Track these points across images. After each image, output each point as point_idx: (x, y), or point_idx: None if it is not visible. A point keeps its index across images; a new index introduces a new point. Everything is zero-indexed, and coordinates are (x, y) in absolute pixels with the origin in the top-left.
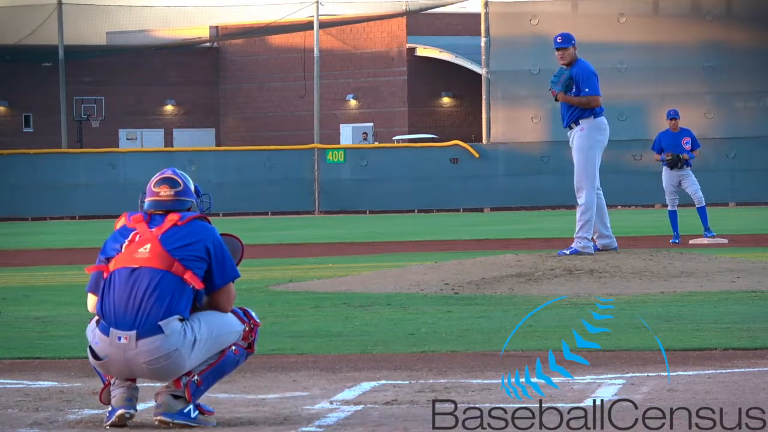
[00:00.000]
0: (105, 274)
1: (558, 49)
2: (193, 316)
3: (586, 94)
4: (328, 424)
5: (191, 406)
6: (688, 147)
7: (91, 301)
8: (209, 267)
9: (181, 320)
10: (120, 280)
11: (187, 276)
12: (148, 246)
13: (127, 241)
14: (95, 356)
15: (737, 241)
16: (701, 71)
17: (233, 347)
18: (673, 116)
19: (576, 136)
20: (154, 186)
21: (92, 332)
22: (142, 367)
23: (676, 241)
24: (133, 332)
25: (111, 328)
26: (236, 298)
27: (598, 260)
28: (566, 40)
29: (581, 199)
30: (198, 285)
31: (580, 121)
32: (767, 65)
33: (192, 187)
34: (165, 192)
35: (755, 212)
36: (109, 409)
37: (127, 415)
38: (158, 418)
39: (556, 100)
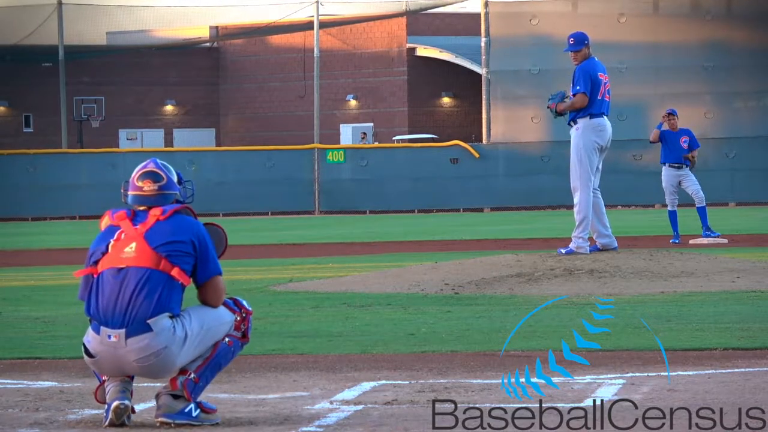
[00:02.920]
0: (94, 276)
1: (572, 52)
2: (184, 311)
3: (576, 91)
4: (328, 424)
5: (192, 405)
6: (686, 146)
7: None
8: (196, 261)
9: (171, 317)
10: (108, 280)
11: (175, 272)
12: (133, 245)
13: (113, 240)
14: (88, 354)
15: (737, 241)
16: (701, 71)
17: (226, 339)
18: (670, 113)
19: (572, 135)
20: (137, 180)
21: (86, 332)
22: (132, 365)
23: (676, 241)
24: (122, 331)
25: (101, 327)
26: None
27: (598, 260)
28: (578, 42)
29: (575, 199)
30: (185, 281)
31: (577, 119)
32: (767, 65)
33: (175, 178)
34: (148, 187)
35: (755, 212)
36: (105, 407)
37: (122, 406)
38: (159, 419)
39: (557, 112)
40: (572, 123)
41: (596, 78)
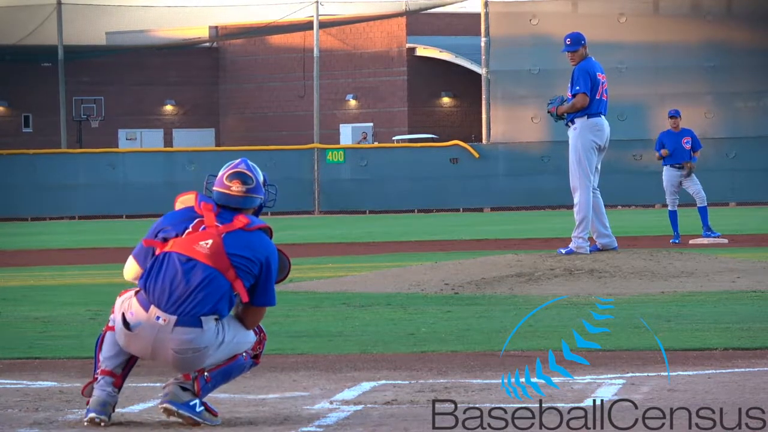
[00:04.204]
0: (158, 251)
1: (568, 53)
2: (224, 318)
3: (576, 92)
4: (328, 424)
5: (198, 401)
6: (688, 147)
7: (132, 269)
8: (256, 283)
9: (216, 320)
10: (174, 263)
11: (237, 284)
12: (210, 242)
13: (191, 227)
14: (126, 325)
15: (737, 241)
16: (701, 71)
17: (243, 353)
18: (673, 115)
19: (570, 135)
20: (226, 179)
21: (127, 301)
22: (169, 352)
23: (676, 241)
24: (174, 317)
25: (152, 306)
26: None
27: (598, 260)
28: (575, 43)
29: (575, 199)
30: (244, 297)
31: (575, 119)
32: (767, 65)
33: (261, 180)
34: (237, 188)
35: (755, 212)
36: (86, 407)
37: (97, 420)
38: (164, 405)
39: (558, 115)
40: (570, 123)
41: (595, 77)
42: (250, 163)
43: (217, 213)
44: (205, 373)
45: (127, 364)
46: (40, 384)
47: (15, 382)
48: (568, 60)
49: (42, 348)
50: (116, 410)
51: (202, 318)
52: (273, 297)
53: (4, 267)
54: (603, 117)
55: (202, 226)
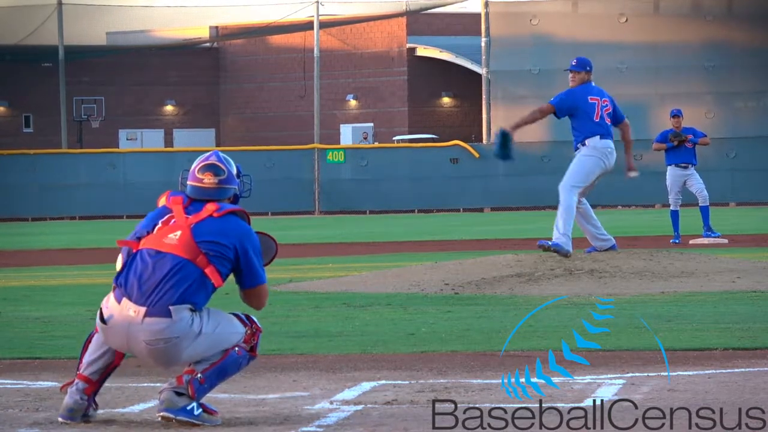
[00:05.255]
0: (133, 250)
1: (570, 71)
2: (203, 309)
3: (550, 102)
4: (328, 424)
5: (194, 404)
6: (690, 145)
7: (120, 262)
8: (238, 267)
9: (192, 311)
10: (144, 258)
11: (208, 270)
12: (178, 233)
13: (161, 223)
14: (102, 318)
15: (737, 241)
16: (701, 71)
17: (236, 348)
18: (675, 114)
19: (580, 153)
20: (198, 172)
21: (106, 297)
22: (140, 344)
23: (677, 241)
24: (143, 308)
25: (124, 298)
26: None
27: (598, 260)
28: (580, 65)
29: (561, 197)
30: (217, 282)
31: (586, 141)
32: (767, 65)
33: (234, 171)
34: (208, 180)
35: (755, 212)
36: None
37: (61, 422)
38: (161, 414)
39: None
40: (580, 146)
41: (584, 102)
42: (221, 154)
43: (186, 205)
44: (198, 375)
45: (105, 370)
46: (40, 384)
47: (15, 382)
48: (569, 81)
49: (42, 348)
50: (116, 410)
51: (172, 308)
52: (261, 275)
53: (4, 267)
54: (611, 141)
55: (172, 220)
